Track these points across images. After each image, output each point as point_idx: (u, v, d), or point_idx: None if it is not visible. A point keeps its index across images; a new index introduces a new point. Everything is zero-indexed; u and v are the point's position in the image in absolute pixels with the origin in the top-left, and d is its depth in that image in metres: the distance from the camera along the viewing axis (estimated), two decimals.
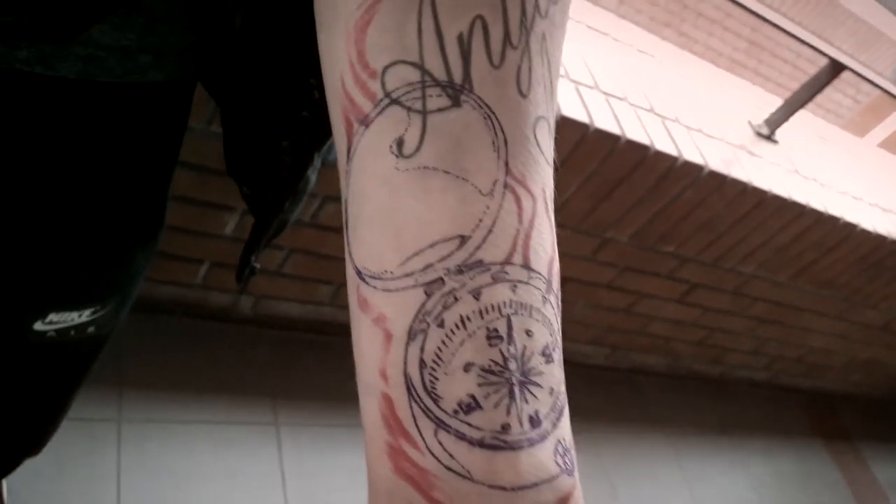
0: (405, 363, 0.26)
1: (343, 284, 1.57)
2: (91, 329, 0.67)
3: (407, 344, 0.26)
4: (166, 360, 1.48)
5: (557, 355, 0.28)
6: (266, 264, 1.45)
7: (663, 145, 1.45)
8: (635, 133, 1.40)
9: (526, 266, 0.27)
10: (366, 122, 0.28)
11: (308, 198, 1.30)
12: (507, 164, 0.27)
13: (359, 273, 0.27)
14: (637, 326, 2.11)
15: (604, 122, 1.36)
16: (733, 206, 1.67)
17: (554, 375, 0.27)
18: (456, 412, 0.25)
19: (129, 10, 0.42)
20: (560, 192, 1.46)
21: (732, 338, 2.31)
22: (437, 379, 0.25)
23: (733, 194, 1.63)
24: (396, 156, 0.27)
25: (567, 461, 0.27)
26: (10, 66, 0.43)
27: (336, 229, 1.41)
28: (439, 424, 0.25)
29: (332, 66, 0.30)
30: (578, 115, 1.33)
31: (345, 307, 1.64)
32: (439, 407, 0.25)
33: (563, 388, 0.28)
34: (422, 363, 0.25)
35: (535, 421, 0.26)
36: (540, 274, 0.27)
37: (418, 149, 0.27)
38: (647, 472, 2.12)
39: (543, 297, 0.27)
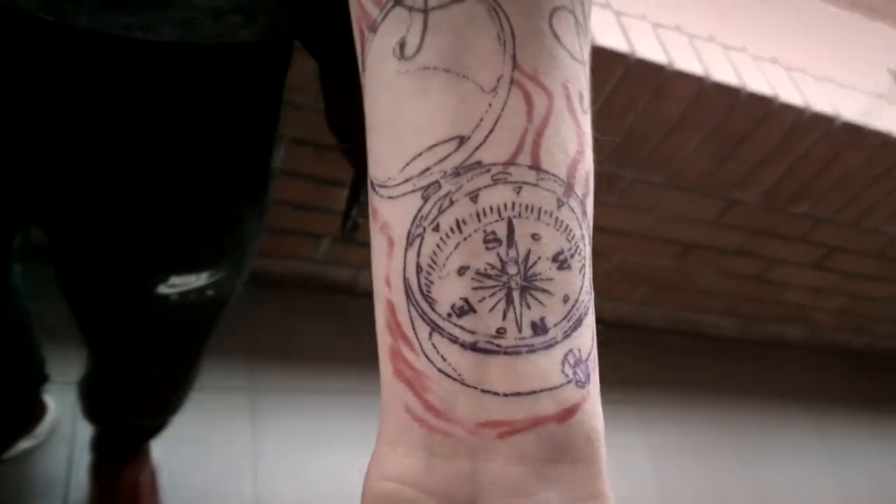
0: (404, 268, 0.25)
1: None
2: (210, 292, 0.71)
3: (406, 249, 0.25)
4: (297, 332, 1.55)
5: (577, 263, 0.26)
6: None
7: (789, 97, 1.36)
8: (757, 84, 1.32)
9: (535, 167, 0.25)
10: (374, 28, 0.27)
11: None
12: (514, 57, 0.25)
13: (371, 183, 0.27)
14: (771, 295, 2.00)
15: (722, 74, 1.29)
16: (873, 161, 1.55)
17: (570, 283, 0.26)
18: (449, 315, 0.25)
19: None
20: (677, 151, 1.41)
21: (878, 306, 2.15)
22: (432, 283, 0.25)
23: (872, 147, 1.51)
24: (399, 58, 0.26)
25: (579, 372, 0.25)
26: (111, 32, 0.45)
27: None
28: (434, 327, 0.25)
29: None
30: (693, 67, 1.27)
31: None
32: (434, 310, 0.25)
33: (585, 297, 0.26)
34: (418, 267, 0.25)
35: (538, 328, 0.25)
36: (554, 175, 0.25)
37: (419, 48, 0.25)
38: (787, 449, 2.01)
39: (559, 200, 0.25)
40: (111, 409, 1.07)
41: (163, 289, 0.67)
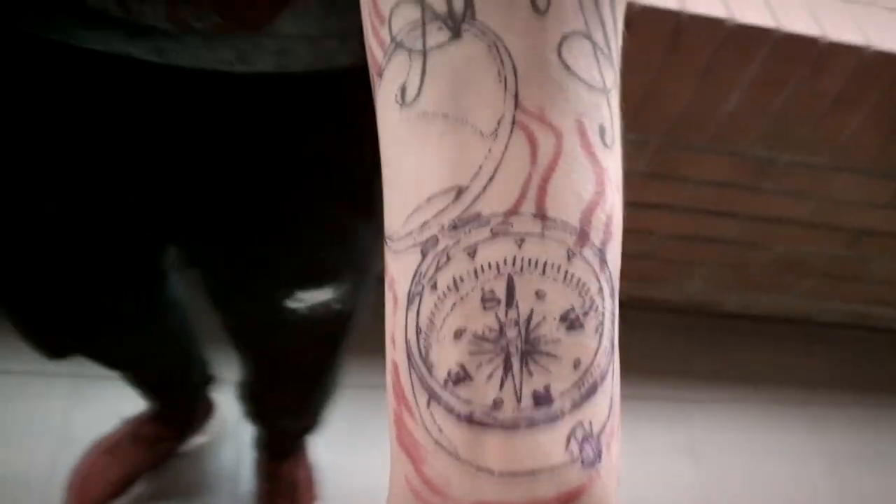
0: (406, 328, 0.23)
1: None
2: (336, 305, 0.74)
3: (407, 308, 0.23)
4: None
5: (592, 321, 0.23)
6: None
7: None
8: None
9: (540, 215, 0.23)
10: (380, 73, 0.25)
11: None
12: (516, 96, 0.23)
13: (384, 238, 0.26)
14: None
15: (885, 42, 1.17)
16: None
17: (583, 345, 0.23)
18: (446, 383, 0.22)
19: None
20: (840, 130, 1.29)
21: None
22: (430, 346, 0.23)
23: None
24: (400, 105, 0.24)
25: (587, 449, 0.22)
26: (212, 68, 0.48)
27: None
28: (431, 395, 0.23)
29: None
30: (851, 37, 1.15)
31: None
32: (432, 376, 0.23)
33: (602, 360, 0.23)
34: (418, 329, 0.23)
35: (542, 398, 0.22)
36: (564, 223, 0.23)
37: (418, 94, 0.24)
38: None
39: (570, 251, 0.23)
40: (260, 412, 1.14)
41: (290, 303, 0.71)
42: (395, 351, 0.24)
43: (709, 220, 1.49)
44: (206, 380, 1.23)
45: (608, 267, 0.24)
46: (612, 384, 0.24)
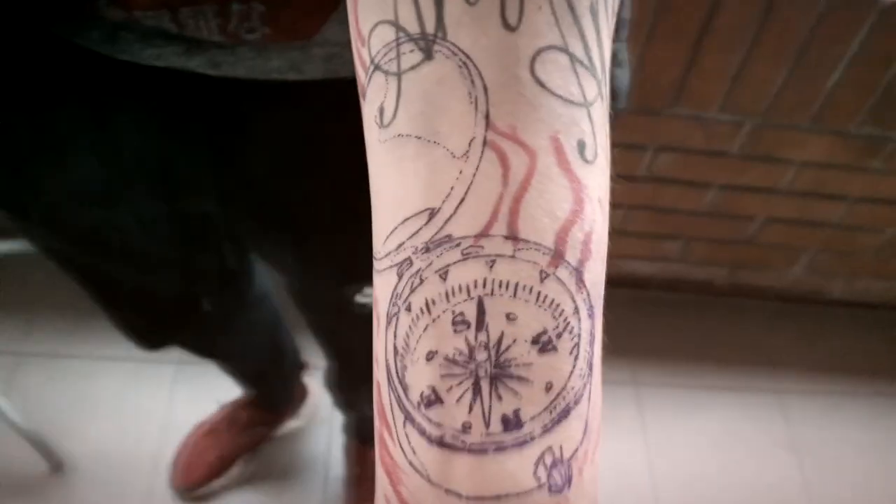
0: (385, 349, 0.24)
1: (692, 239, 1.49)
2: None
3: (386, 329, 0.24)
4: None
5: (567, 343, 0.22)
6: (610, 225, 1.43)
7: None
8: None
9: (512, 236, 0.22)
10: (363, 94, 0.25)
11: (640, 151, 1.26)
12: (487, 116, 0.23)
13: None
14: None
15: None
16: None
17: (555, 368, 0.22)
18: (419, 405, 0.23)
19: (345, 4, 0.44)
20: None
21: None
22: (405, 367, 0.23)
23: None
24: (379, 126, 0.24)
25: (556, 475, 0.22)
26: (265, 77, 0.49)
27: (674, 181, 1.34)
28: (407, 416, 0.23)
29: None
30: None
31: (696, 263, 1.55)
32: (407, 397, 0.23)
33: (576, 383, 0.23)
34: (395, 349, 0.23)
35: (510, 422, 0.22)
36: (537, 244, 0.22)
37: (394, 116, 0.24)
38: None
39: (542, 272, 0.22)
40: (345, 399, 1.16)
41: (360, 298, 0.72)
42: (377, 370, 0.24)
43: (812, 203, 1.41)
44: (299, 366, 1.27)
45: (585, 286, 0.23)
46: (588, 407, 0.23)
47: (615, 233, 1.35)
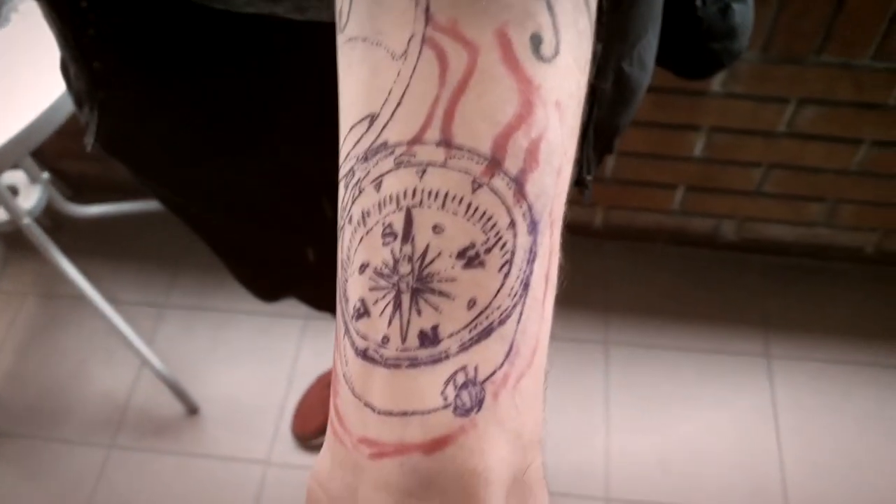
0: (338, 262, 0.23)
1: (839, 201, 1.36)
2: None
3: (339, 241, 0.23)
4: (651, 287, 1.50)
5: (496, 259, 0.21)
6: (743, 184, 1.34)
7: None
8: None
9: (445, 143, 0.21)
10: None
11: (780, 104, 1.15)
12: (427, 10, 0.21)
13: None
14: None
15: None
16: None
17: (481, 284, 0.21)
18: (352, 317, 0.22)
19: None
20: None
21: None
22: (346, 279, 0.23)
23: None
24: (339, 32, 0.23)
25: (464, 396, 0.21)
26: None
27: (820, 137, 1.22)
28: (346, 328, 0.23)
29: None
30: None
31: (844, 228, 1.42)
32: (346, 309, 0.23)
33: (504, 302, 0.21)
34: (342, 262, 0.23)
35: (427, 338, 0.21)
36: (472, 151, 0.21)
37: (348, 17, 0.22)
38: None
39: (475, 181, 0.21)
40: None
41: None
42: (337, 282, 0.24)
43: None
44: None
45: (527, 199, 0.22)
46: (517, 329, 0.22)
47: (752, 194, 1.28)
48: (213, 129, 0.59)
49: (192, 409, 1.37)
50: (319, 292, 0.96)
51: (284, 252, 0.82)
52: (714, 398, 1.37)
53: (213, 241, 0.81)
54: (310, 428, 1.32)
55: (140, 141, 0.61)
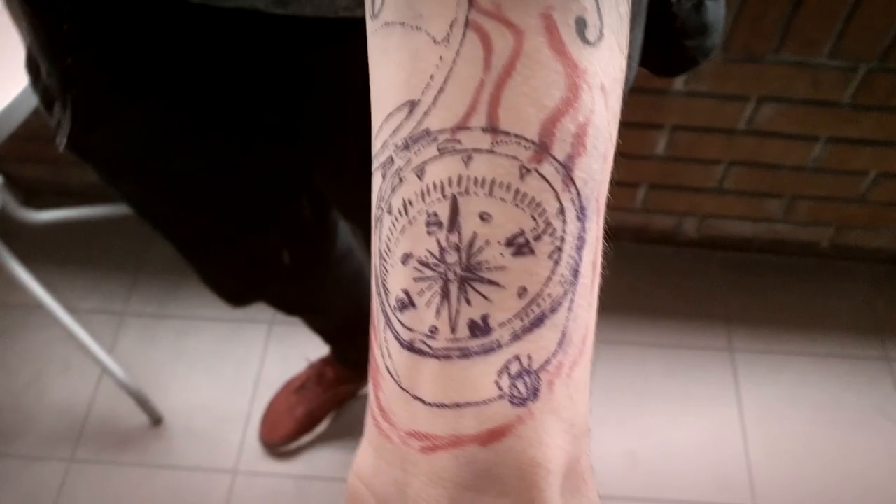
0: (374, 253, 0.23)
1: (796, 197, 1.40)
2: None
3: (374, 232, 0.23)
4: (614, 284, 1.51)
5: (546, 246, 0.21)
6: (704, 181, 1.37)
7: None
8: None
9: (492, 128, 0.20)
10: None
11: (740, 102, 1.18)
12: None
13: None
14: None
15: None
16: None
17: (531, 272, 0.21)
18: (395, 308, 0.22)
19: None
20: None
21: None
22: (386, 271, 0.22)
23: None
24: (371, 17, 0.23)
25: (519, 386, 0.21)
26: (334, 15, 0.47)
27: (778, 134, 1.26)
28: (387, 320, 0.22)
29: None
30: None
31: (801, 224, 1.46)
32: (387, 301, 0.22)
33: (555, 290, 0.21)
34: (380, 253, 0.23)
35: (478, 328, 0.21)
36: (518, 137, 0.20)
37: (382, 3, 0.22)
38: None
39: (523, 167, 0.20)
40: None
41: None
42: (372, 277, 0.24)
43: None
44: None
45: (575, 184, 0.21)
46: (569, 317, 0.22)
47: (713, 191, 1.31)
48: (191, 126, 0.58)
49: (156, 420, 1.34)
50: (291, 295, 0.95)
51: (259, 253, 0.81)
52: (680, 393, 1.40)
53: (184, 244, 0.79)
54: (278, 435, 1.30)
55: (114, 139, 0.59)
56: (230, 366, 1.42)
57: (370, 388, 0.23)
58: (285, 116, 0.57)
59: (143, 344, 1.44)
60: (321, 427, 1.34)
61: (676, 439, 1.34)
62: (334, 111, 0.57)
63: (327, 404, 1.34)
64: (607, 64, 0.22)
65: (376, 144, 0.23)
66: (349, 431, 1.36)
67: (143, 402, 1.31)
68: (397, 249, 0.22)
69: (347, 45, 0.51)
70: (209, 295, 0.90)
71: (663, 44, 0.62)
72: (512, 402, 0.21)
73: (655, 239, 1.54)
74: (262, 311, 1.01)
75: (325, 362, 1.34)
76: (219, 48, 0.52)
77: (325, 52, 0.52)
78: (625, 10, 0.22)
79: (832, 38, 1.08)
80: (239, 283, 0.88)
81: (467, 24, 0.20)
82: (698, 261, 1.54)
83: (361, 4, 0.46)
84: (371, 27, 0.23)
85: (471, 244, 0.21)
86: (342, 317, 1.12)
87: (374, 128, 0.23)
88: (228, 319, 1.44)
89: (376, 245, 0.23)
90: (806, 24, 1.07)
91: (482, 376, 0.21)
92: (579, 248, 0.22)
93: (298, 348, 1.39)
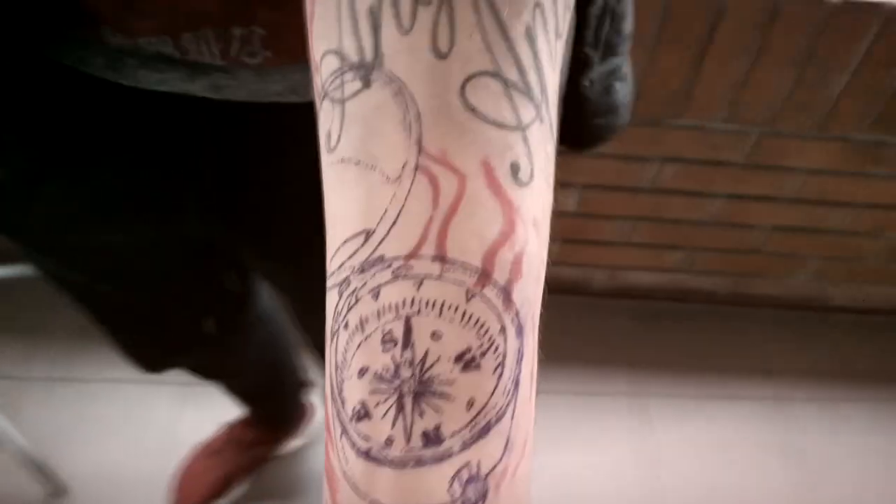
0: (329, 363, 0.25)
1: (696, 249, 1.48)
2: None
3: (329, 344, 0.25)
4: None
5: (490, 362, 0.23)
6: (613, 236, 1.43)
7: None
8: None
9: (440, 257, 0.23)
10: (317, 118, 0.26)
11: (644, 162, 1.25)
12: (419, 141, 0.23)
13: None
14: None
15: None
16: None
17: (478, 385, 0.23)
18: (352, 419, 0.23)
19: None
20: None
21: None
22: (342, 381, 0.24)
23: None
24: (327, 151, 0.25)
25: (469, 491, 0.23)
26: (267, 100, 0.48)
27: (680, 191, 1.33)
28: (343, 429, 0.24)
29: None
30: None
31: (701, 273, 1.54)
32: (343, 410, 0.24)
33: (499, 400, 0.23)
34: (336, 365, 0.24)
35: (430, 438, 0.23)
36: (464, 264, 0.23)
37: (339, 140, 0.25)
38: None
39: (468, 291, 0.23)
40: None
41: None
42: (326, 384, 0.25)
43: (816, 211, 1.40)
44: (301, 385, 1.25)
45: (514, 305, 0.24)
46: (512, 425, 0.24)
47: (621, 245, 1.37)
48: (116, 201, 0.57)
49: (59, 490, 1.26)
50: (212, 361, 0.93)
51: (181, 323, 0.79)
52: (585, 439, 1.43)
53: (100, 313, 0.76)
54: (193, 500, 1.25)
55: (35, 213, 0.57)
56: (141, 429, 1.36)
57: (325, 490, 0.25)
58: (214, 195, 0.57)
59: (45, 410, 1.36)
60: (236, 491, 1.30)
61: (582, 486, 1.37)
62: (264, 190, 0.57)
63: (242, 468, 1.30)
64: (537, 200, 0.25)
65: (332, 265, 0.25)
66: (266, 494, 1.32)
67: (44, 472, 1.24)
68: (354, 363, 0.23)
69: (277, 128, 0.52)
70: (114, 356, 0.86)
71: (574, 122, 0.66)
72: None
73: (566, 289, 1.59)
74: (171, 373, 0.98)
75: (242, 424, 1.30)
76: (147, 126, 0.52)
77: (256, 135, 0.53)
78: (551, 149, 0.25)
79: (727, 106, 1.17)
80: (156, 352, 0.86)
81: (417, 167, 0.23)
82: (607, 310, 1.60)
83: (293, 91, 0.48)
84: (327, 159, 0.25)
85: (423, 360, 0.23)
86: (261, 379, 1.10)
87: (329, 249, 0.25)
88: (138, 381, 1.38)
89: (332, 357, 0.24)
90: (703, 92, 1.15)
91: (436, 483, 0.23)
92: (519, 361, 0.24)
93: (214, 410, 1.34)
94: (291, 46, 0.44)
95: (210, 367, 0.97)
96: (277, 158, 0.55)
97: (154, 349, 0.85)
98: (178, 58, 0.44)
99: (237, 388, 1.14)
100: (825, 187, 1.35)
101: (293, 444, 1.36)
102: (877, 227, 1.46)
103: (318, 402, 1.37)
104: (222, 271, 0.74)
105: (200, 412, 1.38)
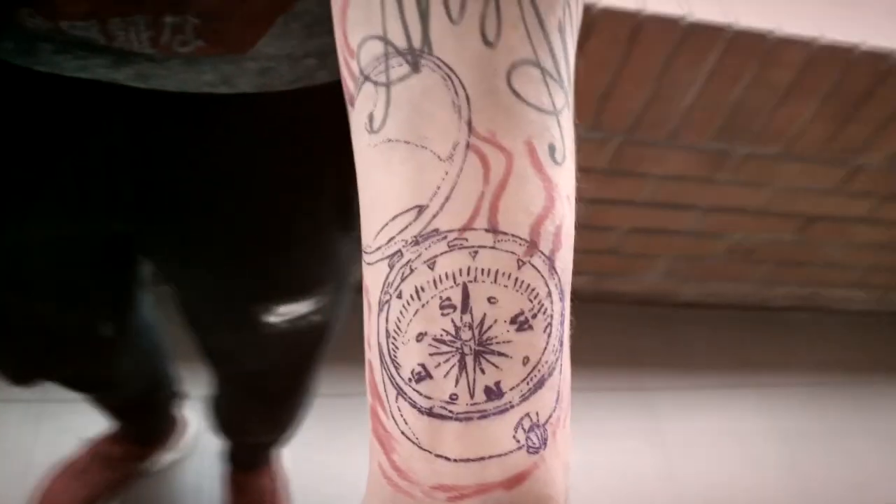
0: (377, 332, 0.26)
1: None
2: (316, 317, 0.73)
3: (378, 314, 0.26)
4: None
5: (541, 323, 0.26)
6: None
7: None
8: (874, 40, 1.22)
9: (492, 229, 0.25)
10: (352, 102, 0.28)
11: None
12: (469, 122, 0.25)
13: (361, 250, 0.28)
14: None
15: (834, 33, 1.20)
16: None
17: (532, 344, 0.25)
18: (410, 380, 0.25)
19: (286, 19, 0.44)
20: (792, 120, 1.33)
21: None
22: (397, 348, 0.26)
23: None
24: (369, 132, 0.27)
25: (532, 437, 0.25)
26: (196, 91, 0.47)
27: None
28: (399, 391, 0.25)
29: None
30: (801, 30, 1.18)
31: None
32: (399, 375, 0.25)
33: (549, 357, 0.26)
34: (387, 333, 0.26)
35: (493, 392, 0.25)
36: (514, 236, 0.25)
37: (384, 122, 0.26)
38: None
39: (519, 260, 0.25)
40: (232, 426, 1.12)
41: (269, 318, 0.70)
42: (370, 352, 0.27)
43: (668, 214, 1.52)
44: (174, 397, 1.20)
45: (557, 273, 0.26)
46: (560, 378, 0.26)
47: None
48: (25, 196, 0.53)
49: None
50: (94, 370, 0.87)
51: (66, 331, 0.74)
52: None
53: None
54: None
55: None
56: None
57: (377, 454, 0.26)
58: (136, 189, 0.55)
59: None
60: None
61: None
62: (189, 183, 0.56)
63: (109, 485, 1.23)
64: (570, 178, 0.27)
65: (379, 240, 0.26)
66: None
67: None
68: (410, 329, 0.25)
69: (205, 119, 0.51)
70: None
71: None
72: (529, 452, 0.25)
73: None
74: (24, 391, 0.91)
75: (108, 440, 1.23)
76: (62, 115, 0.49)
77: (182, 128, 0.51)
78: (574, 136, 0.28)
79: (592, 114, 1.25)
80: (31, 361, 0.80)
81: (468, 146, 0.25)
82: None
83: (224, 82, 0.47)
84: (368, 140, 0.27)
85: (482, 323, 0.25)
86: (139, 387, 1.05)
87: (372, 225, 0.27)
88: None
89: (382, 326, 0.26)
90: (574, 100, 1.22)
91: (501, 433, 0.25)
92: (562, 322, 0.26)
93: (73, 427, 1.26)
94: (226, 36, 0.43)
95: (85, 379, 0.91)
96: (204, 149, 0.53)
97: (26, 360, 0.79)
98: (104, 44, 0.42)
99: (110, 401, 1.07)
100: (675, 191, 1.47)
101: (165, 458, 1.30)
102: (721, 228, 1.60)
103: (190, 415, 1.32)
104: (127, 270, 0.70)
105: (59, 429, 1.29)
